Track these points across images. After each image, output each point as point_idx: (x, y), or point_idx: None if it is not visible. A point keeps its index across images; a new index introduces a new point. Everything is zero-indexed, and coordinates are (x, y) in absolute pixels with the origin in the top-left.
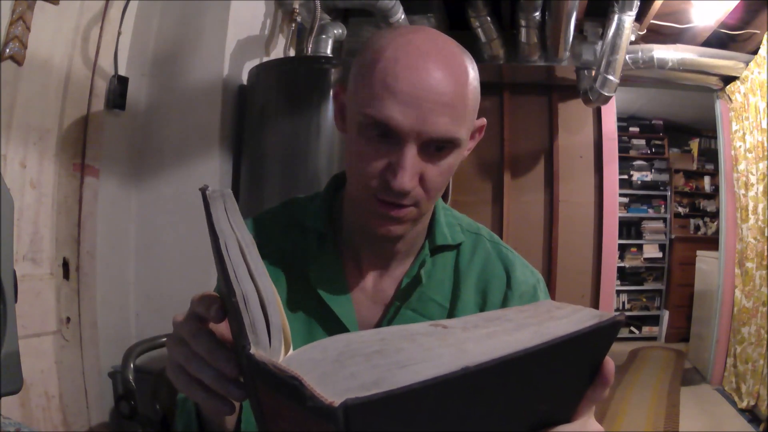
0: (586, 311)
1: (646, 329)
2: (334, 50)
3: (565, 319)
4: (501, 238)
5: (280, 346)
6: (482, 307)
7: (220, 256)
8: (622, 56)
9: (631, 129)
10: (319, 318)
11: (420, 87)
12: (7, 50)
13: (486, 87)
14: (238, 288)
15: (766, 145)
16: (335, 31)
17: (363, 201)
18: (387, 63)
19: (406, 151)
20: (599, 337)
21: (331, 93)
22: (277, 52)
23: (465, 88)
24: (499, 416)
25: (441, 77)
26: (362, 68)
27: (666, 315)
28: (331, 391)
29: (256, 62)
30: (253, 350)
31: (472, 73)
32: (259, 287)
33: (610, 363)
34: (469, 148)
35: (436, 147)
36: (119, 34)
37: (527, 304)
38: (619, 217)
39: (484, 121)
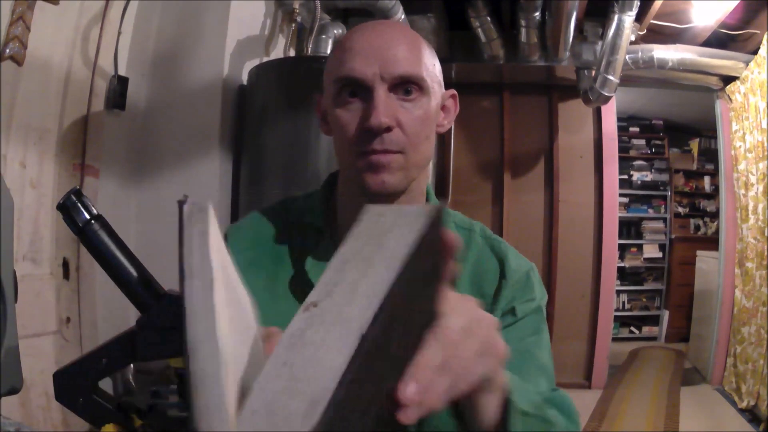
0: (409, 209)
1: (646, 329)
2: None
3: (397, 228)
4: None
5: (227, 409)
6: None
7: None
8: (622, 56)
9: (631, 129)
10: None
11: (375, 43)
12: (7, 50)
13: (486, 87)
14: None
15: (766, 145)
16: (335, 31)
17: (353, 171)
18: (346, 38)
19: (375, 93)
20: (432, 229)
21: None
22: (277, 52)
23: (420, 46)
24: (408, 339)
25: (395, 35)
26: (328, 60)
27: (666, 315)
28: None
29: (256, 62)
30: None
31: (428, 46)
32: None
33: (447, 232)
34: (449, 120)
35: (404, 91)
36: (119, 34)
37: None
38: (619, 217)
39: (453, 91)
